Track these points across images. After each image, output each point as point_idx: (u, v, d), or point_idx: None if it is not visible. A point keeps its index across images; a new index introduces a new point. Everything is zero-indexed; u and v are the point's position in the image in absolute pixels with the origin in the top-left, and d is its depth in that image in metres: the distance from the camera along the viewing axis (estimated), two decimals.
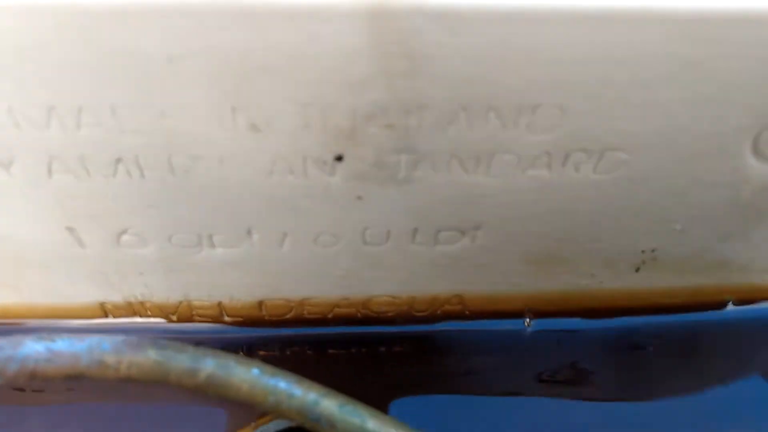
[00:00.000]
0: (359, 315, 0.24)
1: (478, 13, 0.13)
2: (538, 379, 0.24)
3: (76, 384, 0.24)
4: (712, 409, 0.23)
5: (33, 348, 0.15)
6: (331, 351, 0.26)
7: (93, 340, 0.15)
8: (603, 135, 0.16)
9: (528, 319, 0.24)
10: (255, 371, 0.16)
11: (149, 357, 0.15)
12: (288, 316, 0.24)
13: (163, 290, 0.22)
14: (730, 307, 0.25)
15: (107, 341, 0.15)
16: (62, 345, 0.15)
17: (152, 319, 0.24)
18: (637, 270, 0.23)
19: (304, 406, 0.16)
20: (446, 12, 0.13)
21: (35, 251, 0.20)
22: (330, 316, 0.24)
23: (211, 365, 0.15)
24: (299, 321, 0.25)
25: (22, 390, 0.24)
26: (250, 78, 0.14)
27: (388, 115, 0.15)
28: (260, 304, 0.23)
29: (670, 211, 0.20)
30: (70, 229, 0.19)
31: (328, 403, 0.16)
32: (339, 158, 0.17)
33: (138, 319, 0.24)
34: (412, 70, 0.14)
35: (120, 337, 0.15)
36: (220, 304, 0.23)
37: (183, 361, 0.15)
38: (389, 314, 0.25)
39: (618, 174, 0.18)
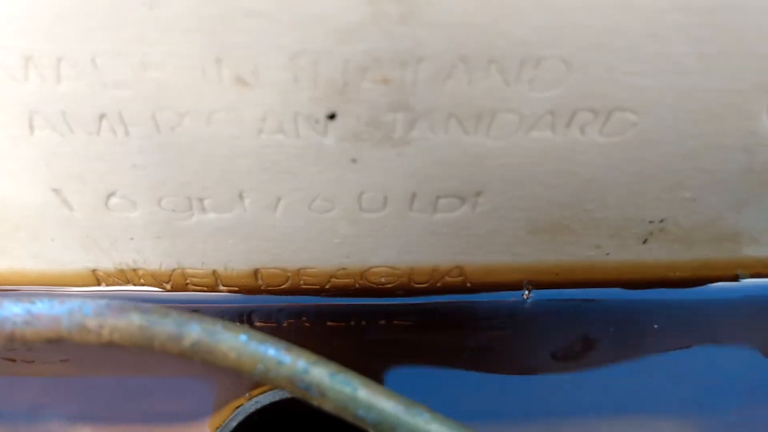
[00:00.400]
0: (357, 286, 0.24)
1: None
2: (541, 353, 0.24)
3: (70, 354, 0.24)
4: (718, 384, 0.23)
5: (11, 310, 0.14)
6: (329, 323, 0.25)
7: (74, 302, 0.15)
8: (611, 92, 0.15)
9: (527, 291, 0.24)
10: (243, 337, 0.15)
11: (132, 322, 0.15)
12: (285, 286, 0.24)
13: (156, 257, 0.22)
14: (742, 281, 0.24)
15: (89, 304, 0.15)
16: (42, 307, 0.14)
17: (146, 288, 0.24)
18: (645, 241, 0.22)
19: (294, 374, 0.15)
20: None
21: (23, 214, 0.19)
22: (327, 286, 0.24)
23: (196, 331, 0.15)
24: (296, 291, 0.24)
25: (13, 360, 0.24)
26: (236, 24, 0.13)
27: (383, 67, 0.14)
28: (256, 273, 0.23)
29: (681, 177, 0.19)
30: (56, 191, 0.18)
31: (319, 372, 0.15)
32: (332, 116, 0.16)
33: (131, 288, 0.24)
34: (407, 15, 0.13)
35: (103, 301, 0.15)
36: (214, 272, 0.23)
37: (167, 325, 0.15)
38: (388, 285, 0.24)
39: (626, 137, 0.17)
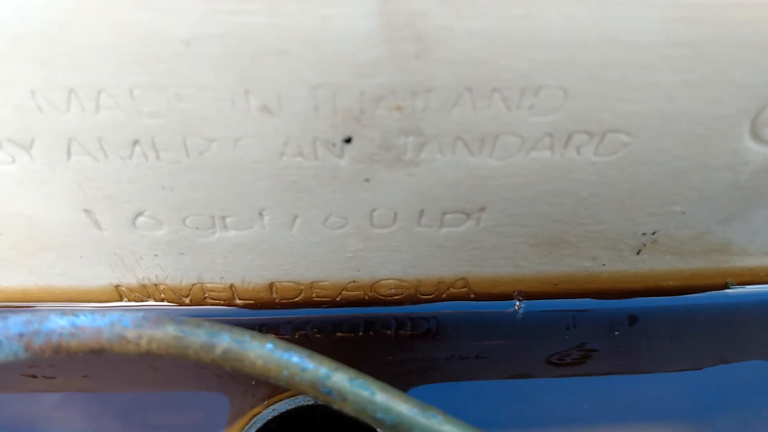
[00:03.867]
0: (367, 298, 0.25)
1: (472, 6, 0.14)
2: (541, 360, 0.25)
3: (89, 369, 0.25)
4: (710, 390, 0.24)
5: (57, 323, 0.15)
6: (339, 334, 0.26)
7: (114, 315, 0.16)
8: (604, 117, 0.17)
9: (518, 302, 0.25)
10: (269, 346, 0.16)
11: (168, 332, 0.16)
12: (298, 299, 0.25)
13: (177, 273, 0.23)
14: (732, 289, 0.25)
15: (128, 317, 0.16)
16: (85, 320, 0.16)
17: (165, 304, 0.25)
18: (638, 253, 0.23)
19: (317, 379, 0.16)
20: (434, 11, 0.13)
21: (54, 233, 0.21)
22: (338, 299, 0.25)
23: (227, 340, 0.16)
24: (309, 303, 0.25)
25: (34, 377, 0.25)
26: (263, 60, 0.14)
27: (396, 97, 0.16)
28: (271, 286, 0.24)
29: (671, 193, 0.20)
30: (88, 212, 0.20)
31: (340, 377, 0.16)
32: (348, 140, 0.17)
33: (152, 303, 0.25)
34: (420, 52, 0.15)
35: (140, 313, 0.16)
36: (232, 286, 0.24)
37: (200, 335, 0.16)
38: (396, 297, 0.25)
39: (619, 156, 0.18)
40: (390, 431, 0.16)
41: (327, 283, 0.24)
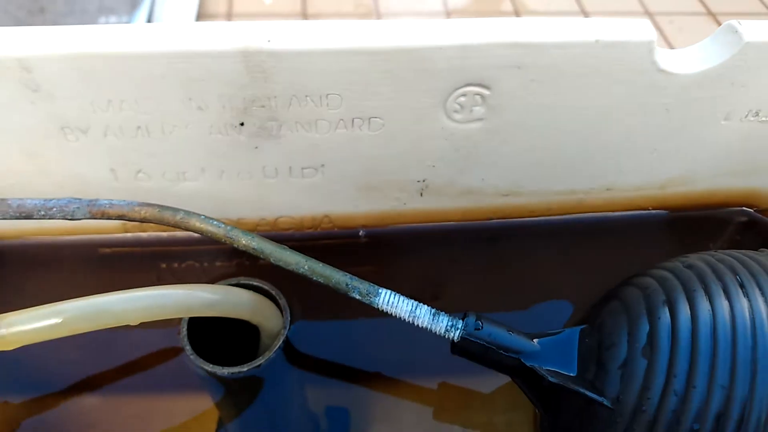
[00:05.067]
0: (273, 231, 0.42)
1: (289, 52, 0.32)
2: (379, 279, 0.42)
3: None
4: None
5: (103, 202, 0.33)
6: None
7: (133, 202, 0.33)
8: (365, 108, 0.35)
9: (361, 231, 0.42)
10: (202, 216, 0.34)
11: (154, 209, 0.33)
12: None
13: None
14: (493, 221, 0.43)
15: (137, 202, 0.33)
16: (117, 202, 0.33)
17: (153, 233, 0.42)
18: (421, 194, 0.41)
19: (226, 233, 0.33)
20: (274, 51, 0.32)
21: (91, 183, 0.38)
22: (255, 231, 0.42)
23: (182, 213, 0.33)
24: None
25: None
26: (195, 83, 0.32)
27: (260, 101, 0.34)
28: None
29: (420, 154, 0.38)
30: (113, 170, 0.37)
31: (232, 229, 0.34)
32: (242, 124, 0.35)
33: (145, 234, 0.42)
34: (265, 78, 0.33)
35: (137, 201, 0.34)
36: None
37: (171, 211, 0.33)
38: (290, 230, 0.42)
39: (382, 132, 0.36)
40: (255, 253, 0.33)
41: (246, 221, 0.41)
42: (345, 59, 0.32)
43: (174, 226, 0.33)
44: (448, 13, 1.62)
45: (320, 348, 0.38)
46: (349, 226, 0.42)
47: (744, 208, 0.47)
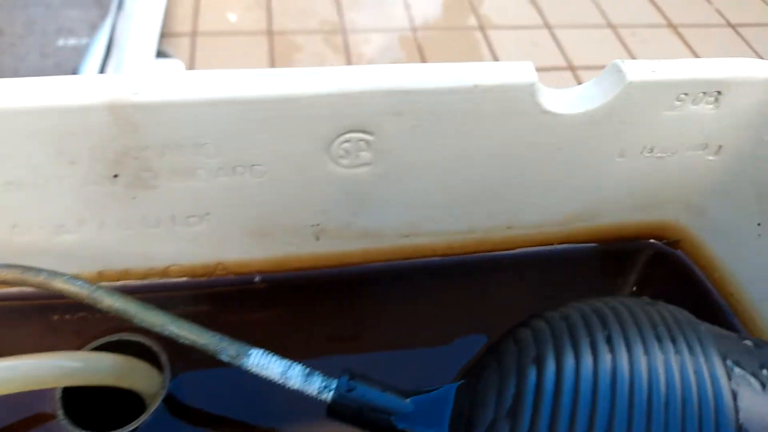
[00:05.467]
0: (163, 281, 0.41)
1: (156, 104, 0.30)
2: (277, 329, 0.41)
3: None
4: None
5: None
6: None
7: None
8: (244, 157, 0.34)
9: (257, 277, 0.41)
10: (66, 277, 0.32)
11: (16, 271, 0.31)
12: (119, 282, 0.40)
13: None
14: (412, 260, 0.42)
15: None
16: None
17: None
18: (318, 238, 0.40)
19: (83, 289, 0.32)
20: (141, 103, 0.30)
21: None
22: (146, 282, 0.40)
23: (44, 274, 0.31)
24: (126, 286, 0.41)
25: None
26: (65, 137, 0.31)
27: (132, 152, 0.32)
28: (99, 273, 0.39)
29: (309, 199, 0.37)
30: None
31: (113, 298, 0.32)
32: (116, 176, 0.33)
33: None
34: (135, 130, 0.31)
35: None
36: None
37: (35, 273, 0.31)
38: (183, 279, 0.41)
39: (264, 178, 0.35)
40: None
41: (135, 271, 0.40)
42: (215, 110, 0.31)
43: (38, 287, 0.31)
44: (415, 29, 1.63)
45: (208, 401, 0.36)
46: (244, 272, 0.41)
47: (653, 241, 0.47)
